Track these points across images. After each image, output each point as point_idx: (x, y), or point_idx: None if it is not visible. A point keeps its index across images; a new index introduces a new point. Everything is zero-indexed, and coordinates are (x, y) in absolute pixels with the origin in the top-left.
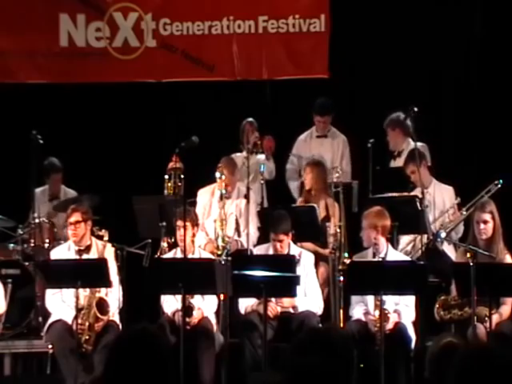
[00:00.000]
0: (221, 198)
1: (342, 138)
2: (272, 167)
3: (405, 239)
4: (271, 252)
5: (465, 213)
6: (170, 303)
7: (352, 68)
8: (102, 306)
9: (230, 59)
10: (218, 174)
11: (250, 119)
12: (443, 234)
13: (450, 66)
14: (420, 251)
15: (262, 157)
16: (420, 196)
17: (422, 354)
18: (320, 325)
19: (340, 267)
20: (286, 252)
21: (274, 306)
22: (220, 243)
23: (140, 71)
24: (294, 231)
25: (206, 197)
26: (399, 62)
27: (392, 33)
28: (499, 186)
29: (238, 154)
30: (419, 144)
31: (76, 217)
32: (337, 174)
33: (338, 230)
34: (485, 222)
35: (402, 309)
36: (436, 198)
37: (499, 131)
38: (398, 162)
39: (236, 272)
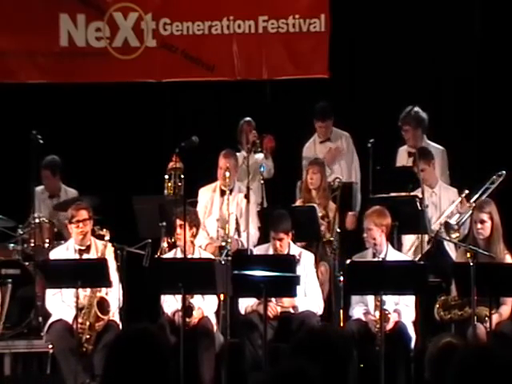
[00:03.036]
0: (222, 194)
1: (345, 136)
2: (270, 166)
3: (408, 241)
4: (271, 252)
5: (474, 204)
6: (170, 303)
7: (352, 68)
8: (103, 305)
9: (230, 59)
10: (227, 174)
11: (248, 119)
12: (454, 223)
13: (450, 66)
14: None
15: (260, 156)
16: (420, 196)
17: (422, 354)
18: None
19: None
20: (285, 251)
21: (274, 307)
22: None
23: (140, 71)
24: (294, 231)
25: (207, 195)
26: (399, 62)
27: (392, 33)
28: (502, 177)
29: (237, 154)
30: (440, 147)
31: (83, 215)
32: (338, 180)
33: (339, 230)
34: (482, 222)
35: (402, 309)
36: (442, 198)
37: (500, 131)
38: None
39: (236, 272)
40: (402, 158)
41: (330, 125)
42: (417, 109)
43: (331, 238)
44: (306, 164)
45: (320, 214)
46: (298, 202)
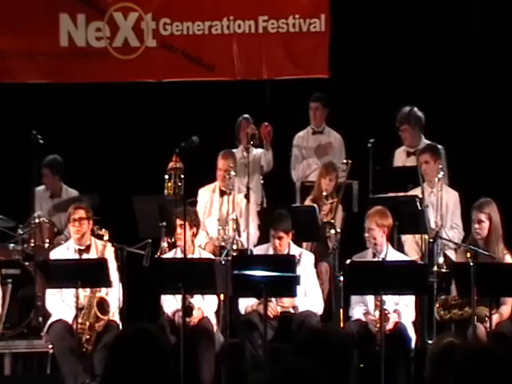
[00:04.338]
0: (221, 194)
1: (338, 137)
2: (270, 158)
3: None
4: (271, 252)
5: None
6: (170, 303)
7: (352, 68)
8: (103, 305)
9: (230, 59)
10: (233, 173)
11: (246, 115)
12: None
13: (451, 65)
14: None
15: (259, 151)
16: (420, 196)
17: (422, 354)
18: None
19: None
20: (284, 250)
21: (274, 306)
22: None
23: (140, 71)
24: (294, 231)
25: (206, 195)
26: (399, 62)
27: (392, 32)
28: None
29: (234, 150)
30: (439, 146)
31: (80, 214)
32: (344, 173)
33: (339, 230)
34: (479, 222)
35: (402, 309)
36: (441, 199)
37: (500, 131)
38: (414, 161)
39: (236, 272)
40: (400, 159)
41: (322, 110)
42: (414, 108)
43: (332, 220)
44: (297, 154)
45: (327, 217)
46: (308, 201)
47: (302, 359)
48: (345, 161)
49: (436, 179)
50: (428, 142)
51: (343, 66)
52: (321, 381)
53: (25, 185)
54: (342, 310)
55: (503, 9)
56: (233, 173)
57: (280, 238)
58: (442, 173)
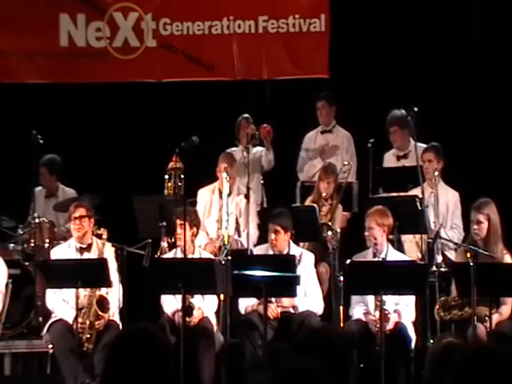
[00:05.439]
0: (221, 195)
1: (346, 134)
2: (271, 158)
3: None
4: (271, 252)
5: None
6: (170, 303)
7: (352, 68)
8: (103, 303)
9: (230, 59)
10: (224, 175)
11: (246, 115)
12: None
13: (451, 66)
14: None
15: (259, 149)
16: (420, 196)
17: (422, 354)
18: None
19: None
20: (280, 246)
21: (275, 308)
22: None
23: (140, 71)
24: (294, 231)
25: (206, 196)
26: (399, 62)
27: (392, 32)
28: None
29: (234, 149)
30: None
31: (81, 212)
32: (344, 174)
33: (338, 230)
34: (478, 223)
35: (402, 309)
36: (440, 199)
37: (500, 130)
38: (404, 164)
39: (236, 272)
40: (390, 162)
41: (328, 109)
42: (402, 111)
43: (329, 222)
44: (304, 156)
45: (327, 218)
46: (308, 202)
47: (304, 358)
48: (346, 163)
49: (433, 179)
50: (418, 143)
51: (343, 66)
52: (325, 378)
53: (25, 185)
54: (341, 310)
55: (503, 6)
56: (224, 174)
57: (276, 233)
58: (436, 173)
